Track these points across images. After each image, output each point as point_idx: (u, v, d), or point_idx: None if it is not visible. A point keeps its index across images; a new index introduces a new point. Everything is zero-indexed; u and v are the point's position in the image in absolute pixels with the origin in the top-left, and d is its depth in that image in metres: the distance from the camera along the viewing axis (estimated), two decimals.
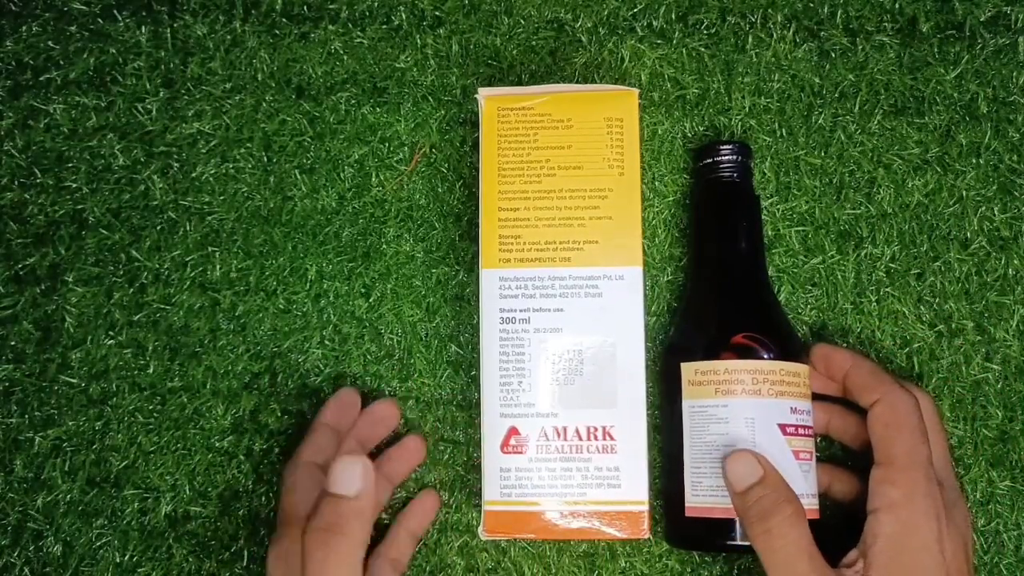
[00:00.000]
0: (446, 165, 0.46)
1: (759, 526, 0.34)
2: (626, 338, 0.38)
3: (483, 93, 0.40)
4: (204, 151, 0.46)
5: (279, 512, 0.38)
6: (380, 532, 0.41)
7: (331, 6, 0.47)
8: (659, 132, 0.45)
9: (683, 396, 0.38)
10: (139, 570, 0.43)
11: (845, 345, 0.43)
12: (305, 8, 0.47)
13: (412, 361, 0.44)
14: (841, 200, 0.44)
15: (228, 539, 0.43)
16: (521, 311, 0.39)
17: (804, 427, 0.37)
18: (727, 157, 0.41)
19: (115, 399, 0.44)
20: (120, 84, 0.47)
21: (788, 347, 0.38)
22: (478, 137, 0.40)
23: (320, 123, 0.46)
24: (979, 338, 0.43)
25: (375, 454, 0.42)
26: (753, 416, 0.36)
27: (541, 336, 0.39)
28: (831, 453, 0.43)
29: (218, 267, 0.45)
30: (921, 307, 0.43)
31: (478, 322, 0.40)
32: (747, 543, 0.36)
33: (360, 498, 0.34)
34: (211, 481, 0.44)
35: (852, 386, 0.38)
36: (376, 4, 0.47)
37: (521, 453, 0.38)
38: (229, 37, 0.47)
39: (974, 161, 0.44)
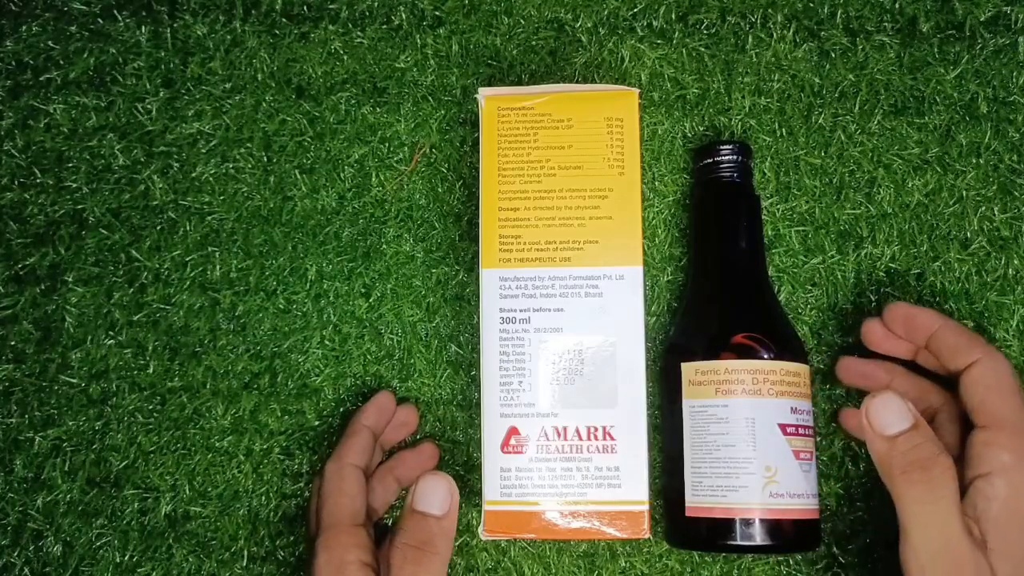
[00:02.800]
0: (446, 165, 0.46)
1: (917, 474, 0.32)
2: (626, 338, 0.38)
3: (483, 93, 0.40)
4: (204, 151, 0.46)
5: (323, 514, 0.37)
6: (380, 532, 0.41)
7: (331, 6, 0.47)
8: (659, 132, 0.45)
9: (683, 396, 0.38)
10: (139, 570, 0.43)
11: (846, 345, 0.43)
12: (305, 8, 0.47)
13: (412, 361, 0.44)
14: (841, 200, 0.44)
15: (228, 539, 0.43)
16: (521, 311, 0.39)
17: (804, 427, 0.37)
18: (727, 157, 0.41)
19: (115, 399, 0.44)
20: (120, 84, 0.47)
21: (788, 347, 0.38)
22: (478, 137, 0.40)
23: (320, 123, 0.46)
24: None
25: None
26: (753, 416, 0.36)
27: (541, 336, 0.39)
28: (832, 453, 0.43)
29: (218, 267, 0.45)
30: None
31: (478, 322, 0.40)
32: (747, 543, 0.36)
33: (447, 517, 0.34)
34: (211, 481, 0.44)
35: (941, 347, 0.37)
36: (376, 4, 0.47)
37: (521, 453, 0.38)
38: (229, 37, 0.47)
39: (974, 161, 0.44)
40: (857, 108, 0.45)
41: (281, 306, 0.45)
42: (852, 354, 0.41)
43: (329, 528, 0.36)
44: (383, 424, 0.41)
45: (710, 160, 0.42)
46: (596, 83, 0.45)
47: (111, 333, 0.45)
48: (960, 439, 0.36)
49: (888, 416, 0.33)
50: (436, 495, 0.35)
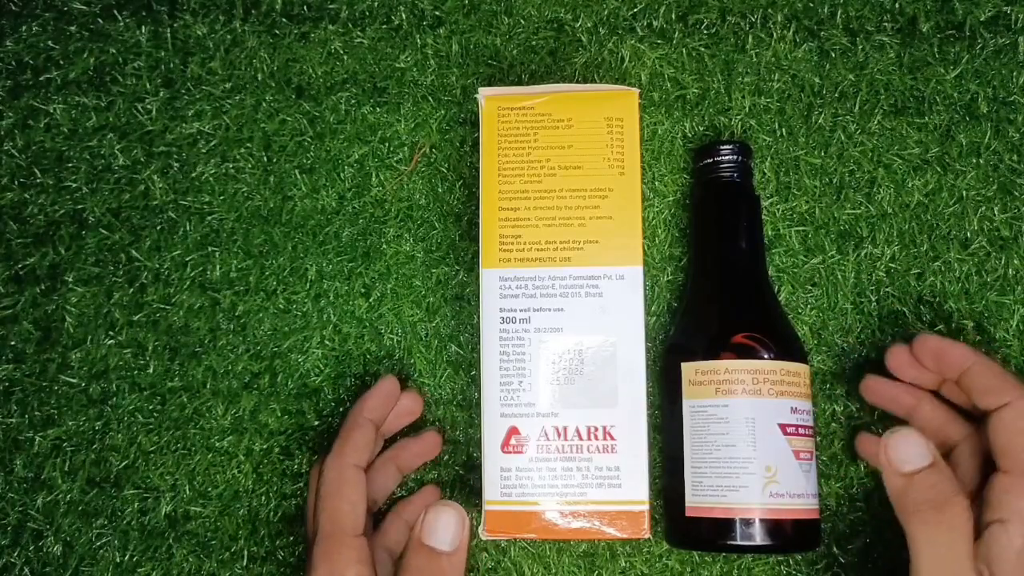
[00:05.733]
0: (446, 165, 0.46)
1: (932, 515, 0.32)
2: (626, 338, 0.38)
3: (483, 93, 0.40)
4: (204, 151, 0.46)
5: (322, 519, 0.35)
6: (376, 518, 0.41)
7: (331, 6, 0.47)
8: (659, 132, 0.45)
9: (683, 396, 0.38)
10: (139, 570, 0.43)
11: (846, 345, 0.43)
12: (305, 8, 0.47)
13: (412, 361, 0.44)
14: (841, 200, 0.44)
15: (228, 539, 0.43)
16: (521, 311, 0.39)
17: (804, 427, 0.37)
18: (727, 157, 0.41)
19: (115, 399, 0.44)
20: (120, 84, 0.47)
21: (788, 347, 0.38)
22: (478, 137, 0.40)
23: (320, 123, 0.46)
24: (979, 338, 0.43)
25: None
26: (754, 416, 0.37)
27: (541, 336, 0.39)
28: (832, 453, 0.43)
29: (218, 267, 0.45)
30: (921, 307, 0.43)
31: (478, 322, 0.40)
32: (747, 543, 0.36)
33: (457, 552, 0.33)
34: (211, 481, 0.44)
35: (973, 385, 0.36)
36: (376, 4, 0.47)
37: (521, 453, 0.38)
38: (229, 37, 0.47)
39: (974, 161, 0.44)
40: (857, 108, 0.45)
41: (281, 306, 0.45)
42: (891, 352, 0.40)
43: (329, 538, 0.34)
44: (387, 414, 0.40)
45: (710, 160, 0.42)
46: (596, 83, 0.45)
47: (111, 333, 0.45)
48: (979, 475, 0.36)
49: (907, 452, 0.33)
50: (446, 529, 0.33)
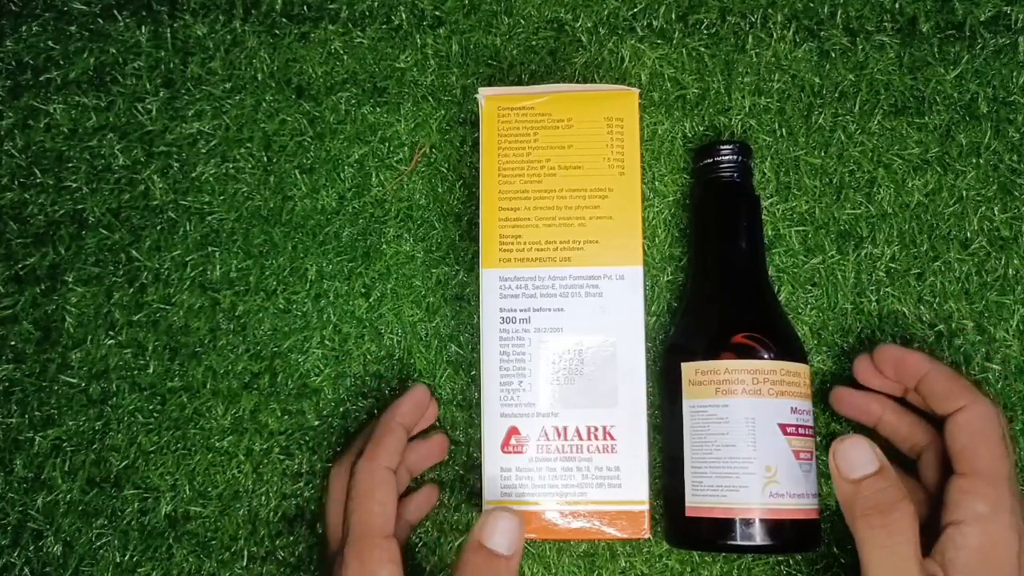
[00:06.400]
0: (446, 165, 0.46)
1: (877, 519, 0.33)
2: (626, 338, 0.38)
3: (483, 93, 0.40)
4: (204, 151, 0.46)
5: (353, 519, 0.35)
6: None
7: (331, 6, 0.47)
8: (659, 132, 0.45)
9: (683, 396, 0.38)
10: (139, 570, 0.43)
11: (846, 346, 0.43)
12: (305, 8, 0.47)
13: (412, 361, 0.44)
14: (841, 200, 0.44)
15: (228, 539, 0.43)
16: (521, 311, 0.39)
17: (804, 427, 0.37)
18: (727, 157, 0.41)
19: (115, 399, 0.44)
20: (120, 84, 0.47)
21: (788, 347, 0.38)
22: (478, 137, 0.40)
23: (320, 123, 0.46)
24: (979, 338, 0.43)
25: None
26: (753, 416, 0.36)
27: (541, 336, 0.39)
28: None
29: (218, 267, 0.45)
30: (921, 307, 0.43)
31: (478, 322, 0.40)
32: (747, 543, 0.36)
33: (514, 557, 0.33)
34: (211, 481, 0.44)
35: (930, 391, 0.37)
36: (376, 4, 0.47)
37: (521, 453, 0.38)
38: (229, 37, 0.47)
39: (974, 161, 0.44)
40: (857, 108, 0.45)
41: (281, 306, 0.45)
42: (857, 362, 0.41)
43: (362, 538, 0.35)
44: (417, 420, 0.40)
45: (710, 160, 0.42)
46: (596, 83, 0.45)
47: (111, 333, 0.45)
48: (943, 479, 0.36)
49: (854, 459, 0.34)
50: (505, 533, 0.33)
